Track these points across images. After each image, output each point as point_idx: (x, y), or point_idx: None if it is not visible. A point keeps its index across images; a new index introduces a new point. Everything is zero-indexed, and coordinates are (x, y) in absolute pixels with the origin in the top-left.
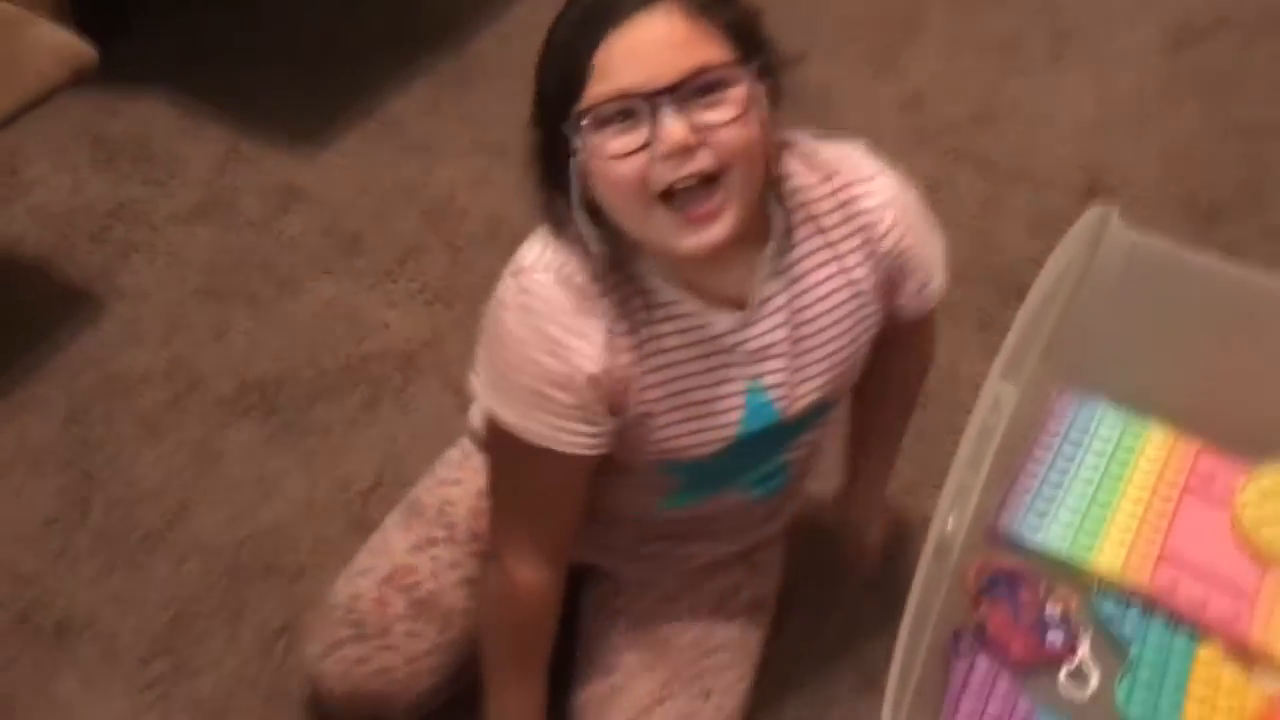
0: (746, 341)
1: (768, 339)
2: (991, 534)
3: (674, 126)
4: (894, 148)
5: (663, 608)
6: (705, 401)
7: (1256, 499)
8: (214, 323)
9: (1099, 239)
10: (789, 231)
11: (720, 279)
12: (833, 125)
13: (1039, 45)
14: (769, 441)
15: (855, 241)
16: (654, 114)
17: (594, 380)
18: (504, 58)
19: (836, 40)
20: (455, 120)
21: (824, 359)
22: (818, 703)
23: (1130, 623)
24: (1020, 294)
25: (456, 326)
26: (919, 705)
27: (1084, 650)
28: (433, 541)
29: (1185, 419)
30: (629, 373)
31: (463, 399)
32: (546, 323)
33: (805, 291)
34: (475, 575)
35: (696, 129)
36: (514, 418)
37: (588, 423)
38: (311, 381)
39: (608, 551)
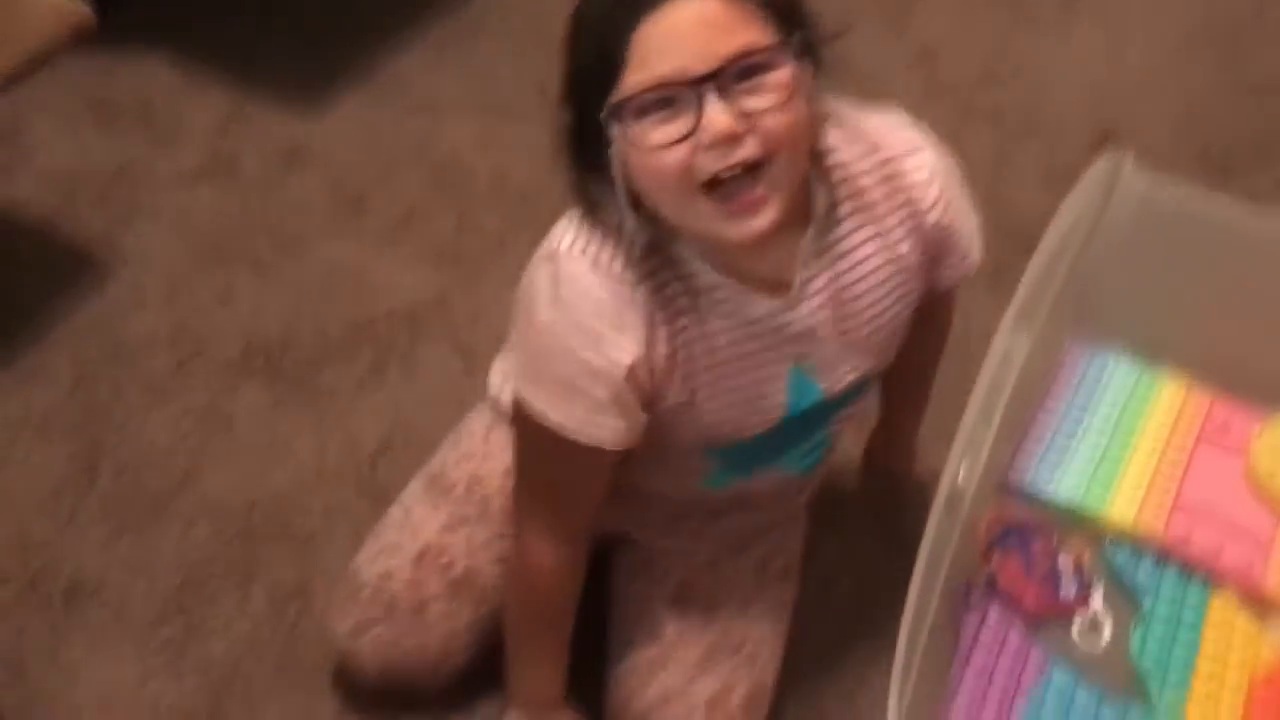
0: (790, 324)
1: (811, 320)
2: (1003, 486)
3: (719, 115)
4: (905, 103)
5: (705, 577)
6: (749, 386)
7: (1271, 447)
8: (219, 286)
9: (1112, 187)
10: (832, 210)
11: (762, 262)
12: (843, 81)
13: None
14: (812, 419)
15: (900, 216)
16: (697, 102)
17: (631, 373)
18: (508, 15)
19: None
20: (459, 78)
21: (867, 336)
22: (830, 656)
23: (1144, 573)
24: (1032, 247)
25: (463, 287)
26: (930, 658)
27: (1097, 601)
28: (464, 520)
29: (1199, 369)
30: (669, 364)
31: (470, 362)
32: (582, 315)
33: (849, 270)
34: (509, 553)
35: (741, 116)
36: (544, 406)
37: (620, 416)
38: (318, 344)
39: (644, 526)
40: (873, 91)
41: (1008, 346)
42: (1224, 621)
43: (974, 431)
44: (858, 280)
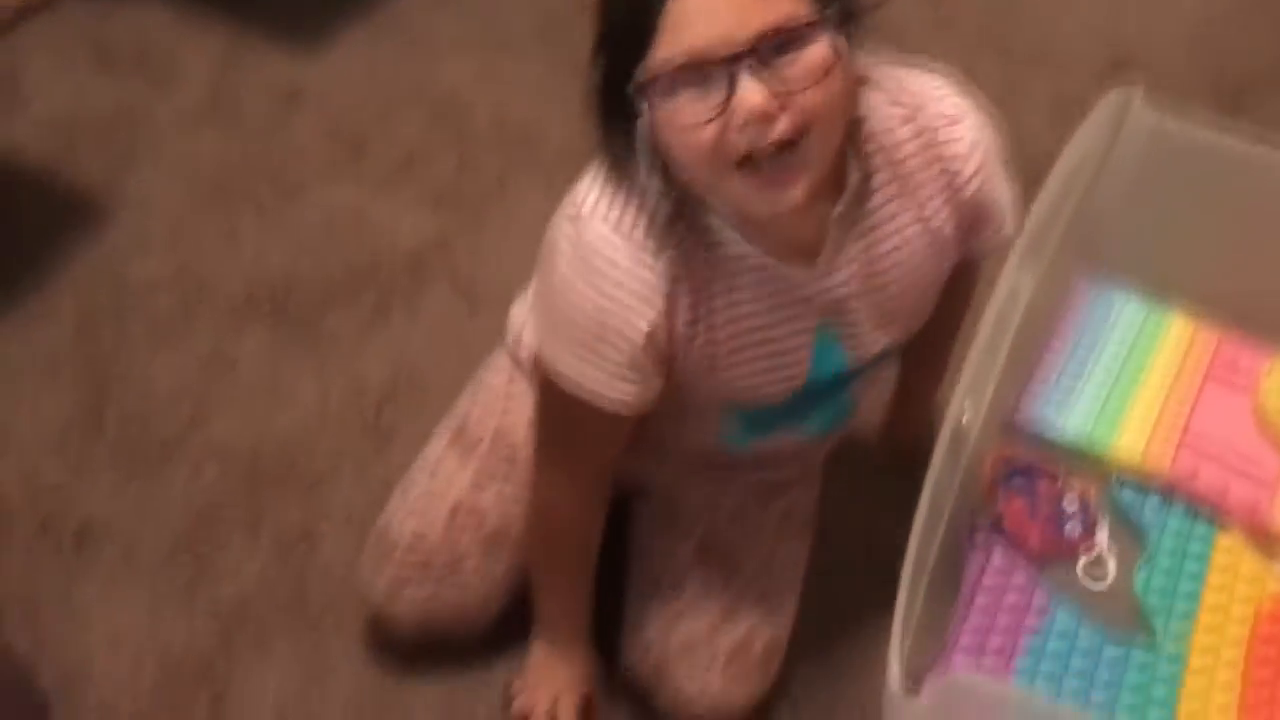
0: (819, 294)
1: (841, 290)
2: (1009, 425)
3: (752, 94)
4: (913, 37)
5: (730, 529)
6: (773, 354)
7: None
8: (221, 229)
9: (1121, 121)
10: (866, 179)
11: (793, 231)
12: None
13: None
14: (836, 385)
15: (936, 186)
16: (730, 80)
17: (649, 340)
18: None
19: None
20: (459, 15)
21: (898, 306)
22: (835, 596)
23: (1149, 511)
24: (1040, 180)
25: (465, 229)
26: (934, 598)
27: (1102, 540)
28: (492, 475)
29: (1208, 306)
30: (689, 331)
31: (472, 304)
32: (603, 279)
33: (881, 240)
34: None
35: (776, 94)
36: (562, 366)
37: (636, 381)
38: (321, 287)
39: (665, 478)
40: (881, 23)
41: (1014, 284)
42: (1229, 559)
43: (979, 370)
44: (890, 251)
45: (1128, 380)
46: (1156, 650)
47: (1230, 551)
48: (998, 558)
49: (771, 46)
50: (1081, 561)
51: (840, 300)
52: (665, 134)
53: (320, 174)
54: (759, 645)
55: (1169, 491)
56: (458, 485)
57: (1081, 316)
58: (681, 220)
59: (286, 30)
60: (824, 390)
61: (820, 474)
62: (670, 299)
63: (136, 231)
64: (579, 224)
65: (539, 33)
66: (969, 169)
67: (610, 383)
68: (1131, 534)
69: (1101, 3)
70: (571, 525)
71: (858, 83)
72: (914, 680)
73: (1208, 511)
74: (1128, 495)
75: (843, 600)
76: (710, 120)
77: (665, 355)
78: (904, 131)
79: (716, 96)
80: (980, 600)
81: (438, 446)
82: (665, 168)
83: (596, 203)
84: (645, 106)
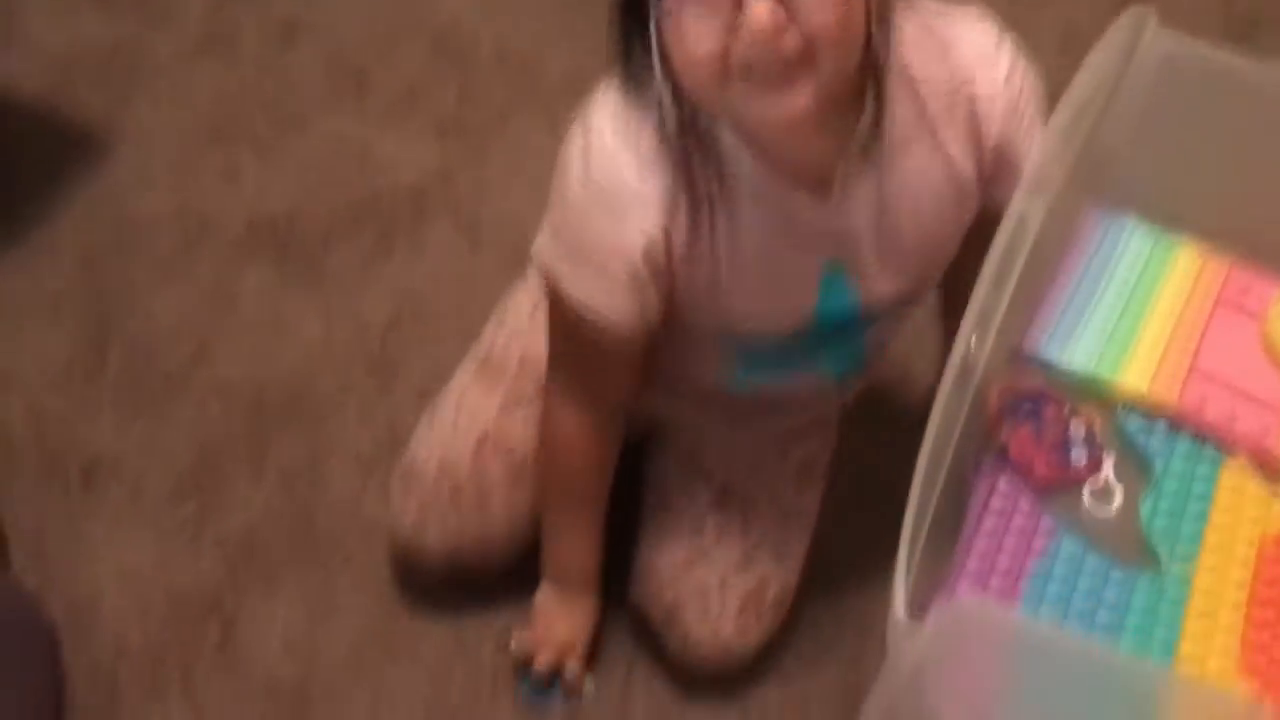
0: (828, 225)
1: (851, 223)
2: (1016, 355)
3: (760, 9)
4: None
5: (750, 479)
6: (777, 282)
7: None
8: (221, 164)
9: (1132, 48)
10: (886, 111)
11: (805, 156)
12: None
13: None
14: (845, 330)
15: (962, 127)
16: None
17: (647, 254)
18: None
19: None
20: None
21: (912, 250)
22: (839, 528)
23: (1156, 440)
24: (1050, 111)
25: (467, 161)
26: (940, 528)
27: (1108, 469)
28: (519, 401)
29: (1219, 236)
30: (689, 250)
31: (475, 238)
32: (604, 190)
33: (898, 177)
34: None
35: (786, 9)
36: (564, 279)
37: (635, 298)
38: (323, 222)
39: (686, 427)
40: None
41: (1023, 211)
42: (1235, 488)
43: (987, 300)
44: (906, 188)
45: (1136, 309)
46: (1161, 580)
47: (1237, 478)
48: (1003, 485)
49: None
50: (1087, 490)
51: (850, 233)
52: (673, 45)
53: (320, 107)
54: (770, 593)
55: (1176, 421)
56: (485, 414)
57: (1090, 245)
58: (691, 135)
59: None
60: (834, 333)
61: (837, 426)
62: (670, 214)
63: (137, 167)
64: (589, 134)
65: None
66: (997, 111)
67: (608, 297)
68: (1138, 463)
69: None
70: (583, 461)
71: (883, 8)
72: (919, 609)
73: (1215, 440)
74: (1134, 424)
75: (850, 537)
76: (717, 34)
77: (664, 272)
78: (931, 69)
79: (725, 10)
80: (986, 526)
81: (463, 378)
82: (676, 80)
83: (608, 113)
84: (656, 16)
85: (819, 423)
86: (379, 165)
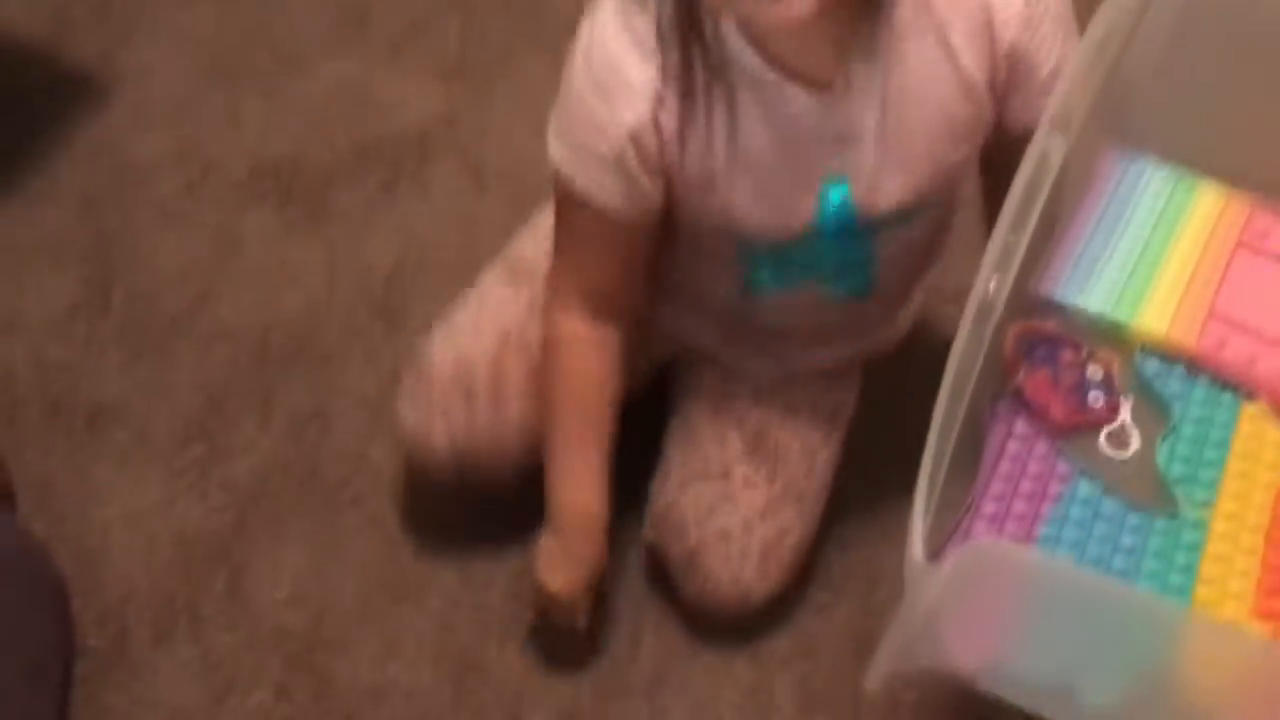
0: (829, 122)
1: (854, 123)
2: (1033, 297)
3: None
4: None
5: (785, 420)
6: (775, 179)
7: None
8: (222, 105)
9: None
10: (892, 5)
11: (808, 52)
12: None
13: None
14: (851, 236)
15: (972, 28)
16: None
17: (635, 138)
18: None
19: None
20: None
21: (916, 156)
22: (856, 472)
23: (1174, 383)
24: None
25: (472, 102)
26: (957, 472)
27: (1125, 412)
28: None
29: (1241, 178)
30: (680, 139)
31: (479, 180)
32: (597, 70)
33: (904, 76)
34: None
35: None
36: (559, 159)
37: (623, 181)
38: (326, 164)
39: (711, 354)
40: None
41: (1044, 148)
42: (1254, 432)
43: (1006, 240)
44: (911, 89)
45: (1155, 251)
46: (1178, 523)
47: (1256, 421)
48: (1020, 427)
49: None
50: (1104, 433)
51: (852, 132)
52: None
53: (322, 46)
54: (791, 541)
55: (1195, 364)
56: (508, 312)
57: (1109, 187)
58: (690, 22)
59: None
60: (837, 240)
61: (860, 379)
62: (660, 99)
63: (137, 109)
64: (593, 25)
65: None
66: (1009, 14)
67: (598, 177)
68: (1155, 406)
69: None
70: (581, 381)
71: None
72: (934, 552)
73: (1234, 383)
74: (1152, 367)
75: (859, 487)
76: None
77: (655, 159)
78: None
79: None
80: (1003, 468)
81: (491, 277)
82: None
83: (611, 6)
84: None
85: (846, 370)
86: (382, 107)
